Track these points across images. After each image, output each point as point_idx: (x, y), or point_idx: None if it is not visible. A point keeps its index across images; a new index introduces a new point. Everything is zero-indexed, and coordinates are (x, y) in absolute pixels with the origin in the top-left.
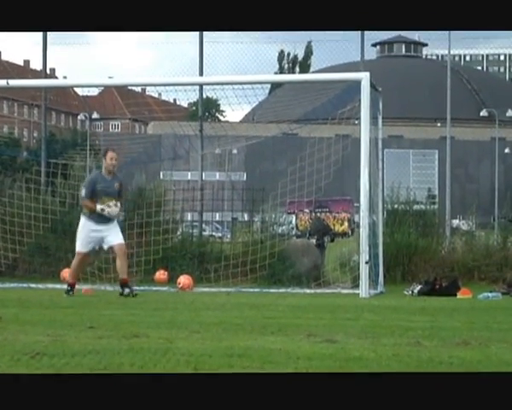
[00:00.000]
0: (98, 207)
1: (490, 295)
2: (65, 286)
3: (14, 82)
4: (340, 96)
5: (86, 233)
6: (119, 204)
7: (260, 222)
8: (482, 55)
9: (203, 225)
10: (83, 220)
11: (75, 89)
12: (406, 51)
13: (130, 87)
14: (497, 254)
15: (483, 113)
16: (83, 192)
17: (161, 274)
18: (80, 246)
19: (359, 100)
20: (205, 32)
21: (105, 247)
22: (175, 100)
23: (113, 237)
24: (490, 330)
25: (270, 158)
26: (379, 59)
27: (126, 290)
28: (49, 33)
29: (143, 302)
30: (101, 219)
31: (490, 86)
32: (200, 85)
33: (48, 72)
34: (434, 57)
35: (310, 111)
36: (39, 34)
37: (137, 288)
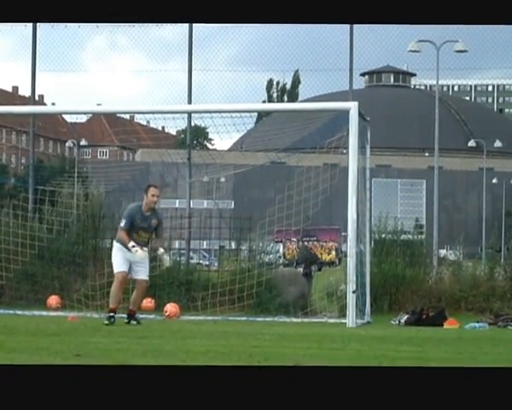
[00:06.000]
0: (130, 244)
1: (477, 325)
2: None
3: (2, 108)
4: (329, 125)
5: (122, 255)
6: (146, 249)
7: (248, 250)
8: (470, 86)
9: (190, 253)
10: (117, 246)
11: (63, 116)
12: (394, 81)
13: (118, 114)
14: (484, 284)
15: (471, 143)
16: (122, 223)
17: (148, 302)
18: (118, 266)
19: (347, 129)
20: (195, 60)
21: (131, 274)
22: (163, 128)
23: (141, 271)
24: (476, 360)
25: (258, 186)
26: (367, 88)
27: (133, 321)
28: (37, 59)
29: (129, 330)
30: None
31: (478, 117)
32: (189, 113)
33: (36, 98)
34: (423, 87)
35: (298, 140)
36: (28, 60)
37: (123, 315)
